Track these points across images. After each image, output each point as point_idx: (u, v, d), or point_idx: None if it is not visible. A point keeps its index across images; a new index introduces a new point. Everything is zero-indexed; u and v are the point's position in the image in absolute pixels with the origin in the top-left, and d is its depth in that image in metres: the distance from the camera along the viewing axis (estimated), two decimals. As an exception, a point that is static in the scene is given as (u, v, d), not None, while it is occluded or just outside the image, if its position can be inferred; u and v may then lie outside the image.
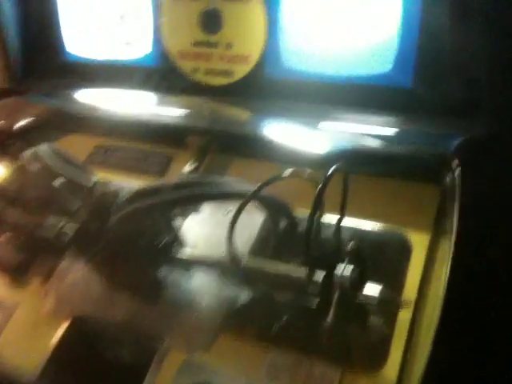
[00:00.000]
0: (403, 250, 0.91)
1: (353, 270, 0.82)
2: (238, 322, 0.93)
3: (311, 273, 0.84)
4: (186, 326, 0.95)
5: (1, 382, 0.98)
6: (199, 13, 1.15)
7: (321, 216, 0.84)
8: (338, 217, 0.89)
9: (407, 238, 0.92)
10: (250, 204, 1.00)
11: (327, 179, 0.80)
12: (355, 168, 0.88)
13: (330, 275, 0.83)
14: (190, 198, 0.92)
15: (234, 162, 1.16)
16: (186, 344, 0.93)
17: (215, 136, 1.17)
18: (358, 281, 0.82)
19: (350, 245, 0.86)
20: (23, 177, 1.06)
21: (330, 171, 0.81)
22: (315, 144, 1.08)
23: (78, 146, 1.28)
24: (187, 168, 1.15)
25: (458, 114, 0.98)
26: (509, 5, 0.87)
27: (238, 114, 1.19)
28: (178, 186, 0.94)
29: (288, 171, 0.86)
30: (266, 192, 0.92)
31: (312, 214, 0.81)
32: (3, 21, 1.34)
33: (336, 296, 0.81)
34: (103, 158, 1.26)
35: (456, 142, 0.97)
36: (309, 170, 0.89)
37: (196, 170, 1.15)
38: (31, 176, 1.03)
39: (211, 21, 1.15)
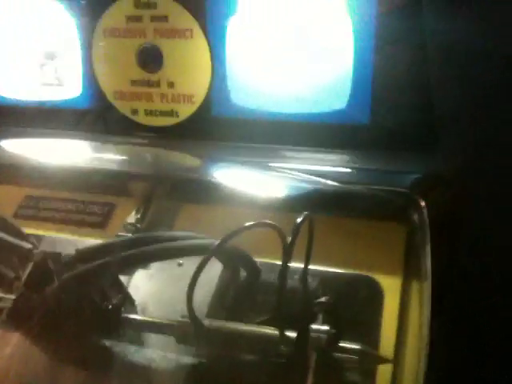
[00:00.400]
0: (375, 296, 0.86)
1: (328, 329, 0.76)
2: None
3: (282, 333, 0.77)
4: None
5: None
6: (136, 50, 1.07)
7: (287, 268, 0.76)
8: (303, 265, 0.83)
9: (378, 283, 0.87)
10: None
11: (297, 229, 0.73)
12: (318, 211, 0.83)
13: (303, 335, 0.76)
14: (141, 256, 0.83)
15: (182, 207, 1.08)
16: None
17: (160, 181, 1.09)
18: (334, 340, 0.76)
19: (323, 300, 0.79)
20: None
21: (300, 220, 0.74)
22: (269, 186, 1.03)
23: (4, 196, 1.15)
24: (132, 217, 1.05)
25: (417, 150, 0.95)
26: (468, 34, 0.85)
27: (184, 156, 1.11)
28: (125, 244, 0.84)
29: (250, 223, 0.78)
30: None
31: (283, 270, 0.74)
32: None
33: (312, 358, 0.74)
34: (35, 209, 1.14)
35: (418, 179, 0.94)
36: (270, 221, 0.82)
37: (142, 218, 1.06)
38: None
39: (150, 58, 1.06)
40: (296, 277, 0.90)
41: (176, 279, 0.96)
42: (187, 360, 0.86)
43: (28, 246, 0.81)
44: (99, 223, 1.09)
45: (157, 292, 0.95)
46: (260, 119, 1.03)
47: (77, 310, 0.82)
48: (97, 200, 1.13)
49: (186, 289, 0.94)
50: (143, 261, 0.85)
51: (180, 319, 0.84)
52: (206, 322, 0.82)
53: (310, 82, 0.99)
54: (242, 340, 0.81)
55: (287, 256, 0.72)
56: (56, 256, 0.82)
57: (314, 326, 0.76)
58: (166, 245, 0.84)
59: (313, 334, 0.76)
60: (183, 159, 1.10)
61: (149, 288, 0.96)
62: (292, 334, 0.77)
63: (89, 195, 1.13)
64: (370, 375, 0.78)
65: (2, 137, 1.20)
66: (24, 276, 0.81)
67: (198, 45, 1.02)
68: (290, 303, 0.84)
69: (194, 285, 0.78)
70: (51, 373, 0.89)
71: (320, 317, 0.78)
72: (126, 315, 0.88)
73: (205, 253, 0.86)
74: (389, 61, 0.93)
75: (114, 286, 0.88)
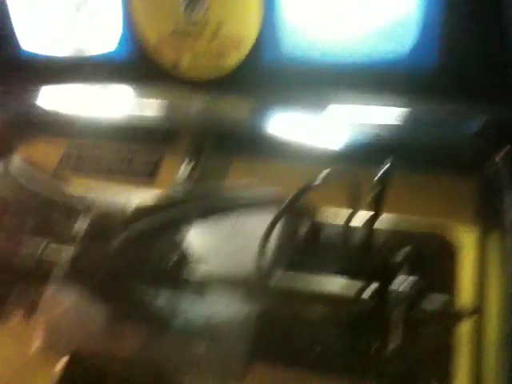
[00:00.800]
0: (450, 252, 0.82)
1: (412, 283, 0.71)
2: (275, 348, 0.80)
3: (362, 287, 0.72)
4: (211, 357, 0.82)
5: None
6: (180, -6, 1.00)
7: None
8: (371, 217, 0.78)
9: (453, 238, 0.83)
10: (260, 210, 0.88)
11: (384, 179, 0.68)
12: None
13: (384, 289, 0.72)
14: (207, 211, 0.77)
15: (234, 162, 1.03)
16: (213, 378, 0.79)
17: (210, 134, 1.03)
18: (421, 291, 0.72)
19: (403, 253, 0.75)
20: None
21: (383, 170, 0.69)
22: (326, 138, 0.97)
23: (44, 151, 1.11)
24: (181, 171, 1.00)
25: (489, 95, 0.89)
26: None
27: (235, 107, 1.04)
28: (185, 200, 0.79)
29: (325, 173, 0.73)
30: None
31: (371, 222, 0.69)
32: None
33: (395, 313, 0.70)
34: (79, 161, 1.09)
35: (491, 125, 0.88)
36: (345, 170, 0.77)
37: (192, 171, 1.01)
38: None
39: (194, 3, 0.99)
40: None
41: (234, 233, 0.92)
42: (254, 315, 0.81)
43: (86, 201, 0.77)
44: (147, 175, 1.04)
45: (212, 248, 0.91)
46: (315, 67, 0.96)
47: (139, 267, 0.78)
48: (144, 152, 1.08)
49: (243, 245, 0.91)
50: (208, 215, 0.80)
51: (248, 273, 0.79)
52: (278, 275, 0.78)
53: (372, 24, 0.92)
54: (314, 295, 0.76)
55: (376, 204, 0.67)
56: (114, 213, 0.78)
57: (399, 278, 0.71)
58: (234, 198, 0.79)
59: (397, 286, 0.71)
60: (234, 110, 1.04)
61: (207, 243, 0.91)
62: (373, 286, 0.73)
63: (135, 147, 1.08)
64: (454, 327, 0.74)
65: (36, 91, 1.14)
66: (83, 232, 0.76)
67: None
68: (365, 258, 0.80)
69: (268, 238, 0.74)
70: (112, 329, 0.86)
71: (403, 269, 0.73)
72: (187, 271, 0.83)
73: (272, 206, 0.82)
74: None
75: (173, 244, 0.84)
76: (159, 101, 1.07)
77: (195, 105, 1.03)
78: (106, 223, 0.76)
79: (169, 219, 0.77)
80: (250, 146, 0.99)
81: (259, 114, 1.01)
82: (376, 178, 0.69)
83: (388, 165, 0.70)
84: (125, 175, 1.06)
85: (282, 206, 0.75)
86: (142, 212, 0.78)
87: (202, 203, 0.78)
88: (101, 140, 1.11)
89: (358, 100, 0.95)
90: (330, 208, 0.89)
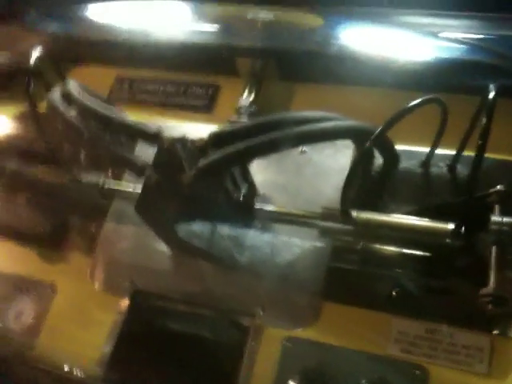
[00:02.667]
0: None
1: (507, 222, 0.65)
2: (349, 286, 0.76)
3: (458, 223, 0.66)
4: (281, 295, 0.78)
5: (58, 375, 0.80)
6: None
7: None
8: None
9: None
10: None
11: (492, 105, 0.61)
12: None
13: (478, 225, 0.66)
14: (293, 139, 0.71)
15: (298, 87, 0.95)
16: (285, 317, 0.76)
17: (271, 56, 0.95)
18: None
19: (499, 188, 0.68)
20: (46, 124, 0.83)
21: (492, 96, 0.61)
22: (400, 58, 0.88)
23: (92, 79, 1.04)
24: (243, 99, 0.93)
25: None
26: None
27: (299, 24, 0.95)
28: (263, 127, 0.73)
29: (421, 100, 0.66)
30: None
31: (478, 153, 0.62)
32: None
33: (493, 255, 0.64)
34: (129, 92, 1.03)
35: None
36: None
37: (253, 102, 0.94)
38: (58, 122, 0.80)
39: None
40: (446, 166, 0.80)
41: (300, 167, 0.86)
42: (329, 252, 0.77)
43: (154, 130, 0.71)
44: (205, 106, 0.98)
45: (281, 181, 0.86)
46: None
47: (211, 198, 0.73)
48: (198, 81, 1.01)
49: (313, 178, 0.85)
50: (284, 145, 0.74)
51: (325, 210, 0.74)
52: (356, 212, 0.72)
53: None
54: (402, 233, 0.71)
55: (485, 136, 0.60)
56: (182, 140, 0.72)
57: (493, 218, 0.65)
58: (310, 127, 0.72)
59: (493, 226, 0.65)
60: (299, 28, 0.95)
61: (272, 177, 0.86)
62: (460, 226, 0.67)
63: (190, 78, 1.01)
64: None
65: (82, 9, 1.07)
66: (152, 161, 0.71)
67: None
68: (449, 193, 0.74)
69: (354, 174, 0.68)
70: (177, 267, 0.83)
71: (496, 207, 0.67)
72: (260, 206, 0.79)
73: (351, 136, 0.76)
74: None
75: (243, 175, 0.79)
76: (217, 21, 0.99)
77: (255, 23, 0.94)
78: (177, 153, 0.71)
79: (241, 149, 0.71)
80: (317, 68, 0.91)
81: (327, 30, 0.92)
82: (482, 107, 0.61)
83: (493, 92, 0.62)
84: (181, 109, 0.99)
85: (372, 137, 0.68)
86: (219, 139, 0.72)
87: (275, 133, 0.72)
88: (154, 69, 1.03)
89: (442, 17, 0.86)
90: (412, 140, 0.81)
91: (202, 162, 0.69)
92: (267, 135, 0.69)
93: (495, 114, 0.64)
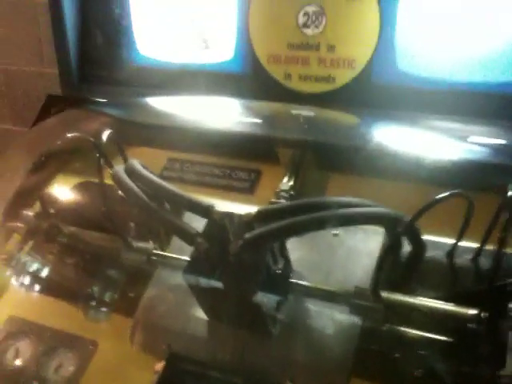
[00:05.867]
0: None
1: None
2: (376, 363, 0.80)
3: (481, 308, 0.72)
4: (310, 367, 0.82)
5: None
6: (298, 10, 1.03)
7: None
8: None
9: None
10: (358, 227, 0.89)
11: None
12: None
13: (500, 311, 0.72)
14: (332, 220, 0.79)
15: (333, 177, 1.04)
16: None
17: (310, 147, 1.05)
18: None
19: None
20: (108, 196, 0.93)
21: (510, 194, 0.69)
22: (431, 159, 0.97)
23: (146, 159, 1.14)
24: (284, 184, 1.02)
25: None
26: None
27: (337, 122, 1.06)
28: (304, 207, 0.81)
29: (449, 193, 0.74)
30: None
31: (500, 247, 0.69)
32: (63, 22, 1.20)
33: (510, 337, 0.69)
34: (180, 172, 1.13)
35: None
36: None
37: (294, 185, 1.02)
38: (119, 192, 0.90)
39: (311, 19, 1.03)
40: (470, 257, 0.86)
41: (333, 248, 0.93)
42: (358, 329, 0.82)
43: (207, 204, 0.80)
44: (247, 189, 1.07)
45: (314, 261, 0.92)
46: (426, 88, 0.98)
47: (252, 270, 0.80)
48: (242, 166, 1.11)
49: (344, 259, 0.92)
50: (323, 225, 0.81)
51: (357, 288, 0.80)
52: (386, 292, 0.78)
53: (483, 49, 0.93)
54: (427, 316, 0.76)
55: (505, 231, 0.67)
56: (231, 215, 0.80)
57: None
58: (348, 211, 0.80)
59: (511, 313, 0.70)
60: (336, 124, 1.05)
61: (306, 256, 0.93)
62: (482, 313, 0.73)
63: (235, 162, 1.11)
64: None
65: (142, 99, 1.20)
66: (203, 231, 0.79)
67: (368, 6, 0.98)
68: (473, 281, 0.80)
69: (385, 258, 0.74)
70: (213, 333, 0.88)
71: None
72: (295, 280, 0.85)
73: (384, 222, 0.83)
74: None
75: (281, 253, 0.86)
76: (264, 111, 1.10)
77: (297, 118, 1.05)
78: (224, 227, 0.79)
79: (285, 226, 0.78)
80: (352, 160, 1.00)
81: (362, 129, 1.02)
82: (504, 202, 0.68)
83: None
84: (224, 190, 1.08)
85: (404, 224, 0.75)
86: (265, 215, 0.80)
87: (316, 214, 0.79)
88: (203, 153, 1.13)
89: (470, 123, 0.95)
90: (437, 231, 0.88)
91: (249, 235, 0.77)
92: (310, 215, 0.77)
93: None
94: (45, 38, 1.51)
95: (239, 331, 0.87)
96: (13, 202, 1.01)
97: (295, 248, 0.91)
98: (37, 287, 1.02)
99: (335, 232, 0.95)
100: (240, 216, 0.80)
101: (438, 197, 0.74)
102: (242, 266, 0.78)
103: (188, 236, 0.80)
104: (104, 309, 0.97)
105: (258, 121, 1.11)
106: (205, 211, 0.80)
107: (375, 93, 1.02)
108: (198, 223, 0.82)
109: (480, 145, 0.89)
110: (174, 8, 1.16)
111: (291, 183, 1.02)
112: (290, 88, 1.09)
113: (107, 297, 0.98)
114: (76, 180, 1.09)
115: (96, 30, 1.22)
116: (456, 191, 0.75)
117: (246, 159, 1.11)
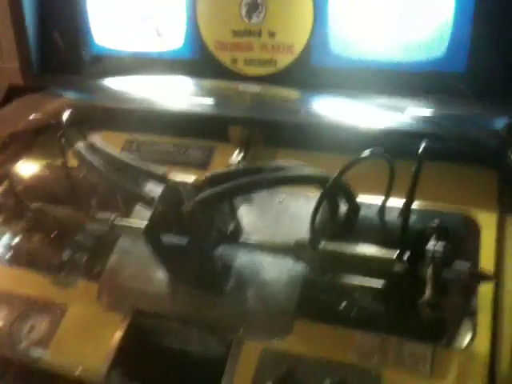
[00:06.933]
0: (473, 230, 0.93)
1: (444, 245, 0.83)
2: (317, 306, 0.92)
3: (400, 252, 0.84)
4: (260, 314, 0.93)
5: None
6: (241, 0, 1.14)
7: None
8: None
9: (475, 219, 0.94)
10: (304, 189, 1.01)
11: (421, 159, 0.80)
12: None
13: (418, 253, 0.84)
14: (270, 181, 0.90)
15: (280, 152, 1.15)
16: (263, 332, 0.91)
17: (258, 125, 1.15)
18: (447, 257, 0.83)
19: (435, 222, 0.87)
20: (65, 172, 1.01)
21: (421, 150, 0.81)
22: (365, 130, 1.08)
23: (108, 141, 1.23)
24: (232, 160, 1.12)
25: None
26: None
27: (281, 99, 1.17)
28: (248, 171, 0.92)
29: (366, 152, 0.85)
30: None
31: (410, 197, 0.81)
32: (22, 14, 1.27)
33: (429, 272, 0.81)
34: (137, 153, 1.22)
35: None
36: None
37: (241, 161, 1.13)
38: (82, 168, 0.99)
39: (253, 8, 1.13)
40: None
41: (278, 214, 1.04)
42: (300, 277, 0.93)
43: (162, 171, 0.90)
44: (201, 165, 1.16)
45: (262, 225, 1.03)
46: (359, 68, 1.10)
47: (203, 228, 0.90)
48: (196, 144, 1.20)
49: (288, 223, 1.03)
50: (262, 186, 0.92)
51: (297, 241, 0.91)
52: (323, 244, 0.90)
53: (409, 31, 1.05)
54: (354, 259, 0.88)
55: (415, 183, 0.79)
56: (184, 181, 0.91)
57: (431, 243, 0.83)
58: (283, 173, 0.91)
59: (430, 249, 0.83)
60: (282, 102, 1.16)
61: (254, 221, 1.03)
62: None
63: (189, 141, 1.20)
64: (474, 292, 0.85)
65: (100, 83, 1.27)
66: (159, 196, 0.89)
67: (301, -6, 1.09)
68: (396, 231, 0.92)
69: (318, 210, 0.86)
70: (170, 290, 0.98)
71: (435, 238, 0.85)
72: (243, 239, 0.96)
73: (317, 181, 0.94)
74: (490, 9, 0.99)
75: (231, 214, 0.96)
76: (213, 94, 1.20)
77: (245, 96, 1.15)
78: (178, 191, 0.89)
79: (229, 187, 0.88)
80: (296, 136, 1.10)
81: (305, 105, 1.13)
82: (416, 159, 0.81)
83: (424, 146, 0.82)
84: (179, 167, 1.15)
85: (328, 183, 0.86)
86: (214, 179, 0.90)
87: (256, 176, 0.90)
88: (159, 134, 1.22)
89: (395, 101, 1.08)
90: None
91: (199, 196, 0.87)
92: (251, 177, 0.88)
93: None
94: (2, 31, 1.57)
95: (195, 287, 0.97)
96: (-20, 182, 1.08)
97: (244, 214, 1.02)
98: (7, 259, 1.10)
99: (280, 199, 1.06)
100: (191, 183, 0.90)
101: (359, 157, 0.86)
102: (195, 224, 0.88)
103: (146, 201, 0.89)
104: (72, 275, 1.05)
105: (210, 100, 1.21)
106: (160, 178, 0.90)
107: (313, 74, 1.13)
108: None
109: (403, 116, 1.01)
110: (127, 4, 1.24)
111: (240, 159, 1.13)
112: (236, 71, 1.19)
113: (74, 264, 1.06)
114: (39, 160, 1.17)
115: (54, 21, 1.30)
116: (377, 150, 0.86)
117: (200, 138, 1.20)
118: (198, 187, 0.90)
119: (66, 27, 1.29)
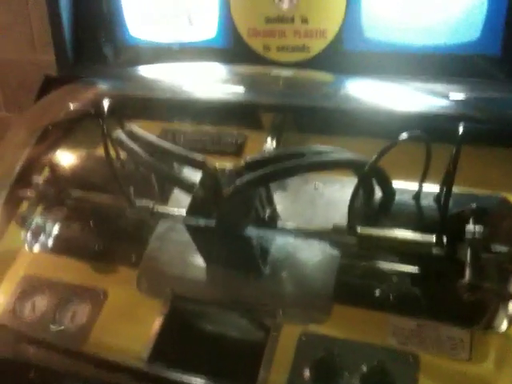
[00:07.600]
0: (511, 213, 0.92)
1: (482, 228, 0.82)
2: (354, 290, 0.93)
3: (438, 235, 0.84)
4: (298, 298, 0.94)
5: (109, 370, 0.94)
6: (273, -13, 1.14)
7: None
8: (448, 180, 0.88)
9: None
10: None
11: (460, 143, 0.80)
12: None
13: (456, 236, 0.84)
14: (308, 165, 0.90)
15: (313, 138, 1.15)
16: (301, 316, 0.92)
17: (291, 111, 1.16)
18: (486, 239, 0.83)
19: (473, 205, 0.86)
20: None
21: (460, 133, 0.81)
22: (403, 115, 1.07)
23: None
24: (266, 147, 1.13)
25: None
26: None
27: (316, 84, 1.17)
28: (286, 156, 0.92)
29: (404, 135, 0.85)
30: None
31: (449, 179, 0.81)
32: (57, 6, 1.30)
33: (468, 255, 0.81)
34: (172, 141, 1.23)
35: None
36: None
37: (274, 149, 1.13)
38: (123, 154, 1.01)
39: (285, -4, 1.14)
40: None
41: (314, 199, 1.05)
42: (340, 263, 0.94)
43: (202, 157, 0.91)
44: (234, 152, 1.17)
45: (298, 211, 1.04)
46: (392, 52, 1.09)
47: (243, 211, 0.91)
48: (230, 132, 1.21)
49: (324, 208, 1.03)
50: (299, 171, 0.92)
51: (335, 226, 0.91)
52: (360, 228, 0.90)
53: (443, 14, 1.04)
54: (393, 244, 0.88)
55: (455, 164, 0.79)
56: (222, 167, 0.92)
57: (468, 228, 0.83)
58: (319, 158, 0.91)
59: (468, 235, 0.82)
60: (314, 89, 1.16)
61: (290, 207, 1.04)
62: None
63: (222, 129, 1.21)
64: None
65: (134, 72, 1.29)
66: (199, 181, 0.91)
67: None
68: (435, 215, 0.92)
69: (356, 194, 0.86)
70: (209, 276, 1.00)
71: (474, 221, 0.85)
72: (281, 225, 0.97)
73: (353, 166, 0.94)
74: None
75: (268, 200, 0.97)
76: (246, 81, 1.21)
77: (278, 82, 1.15)
78: (216, 177, 0.90)
79: (268, 172, 0.89)
80: (329, 121, 1.10)
81: (339, 90, 1.13)
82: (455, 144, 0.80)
83: (462, 129, 0.81)
84: (214, 154, 1.15)
85: (366, 167, 0.86)
86: (253, 164, 0.91)
87: (293, 161, 0.91)
88: (192, 122, 1.23)
89: (429, 84, 1.07)
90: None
91: (239, 181, 0.88)
92: (287, 162, 0.88)
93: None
94: (36, 25, 1.61)
95: (233, 271, 0.99)
96: (21, 170, 1.11)
97: (280, 202, 1.03)
98: (49, 247, 1.13)
99: (315, 185, 1.07)
100: (229, 169, 0.92)
101: (398, 139, 0.85)
102: (234, 208, 0.90)
103: (186, 186, 0.91)
104: (112, 262, 1.07)
105: (242, 88, 1.21)
106: (200, 164, 0.91)
107: (346, 59, 1.13)
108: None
109: (439, 99, 1.01)
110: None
111: (273, 146, 1.14)
112: (269, 59, 1.20)
113: (114, 251, 1.09)
114: (78, 149, 1.19)
115: (88, 13, 1.32)
116: (414, 132, 0.86)
117: (232, 125, 1.21)
118: (237, 172, 0.91)
119: (99, 18, 1.31)
